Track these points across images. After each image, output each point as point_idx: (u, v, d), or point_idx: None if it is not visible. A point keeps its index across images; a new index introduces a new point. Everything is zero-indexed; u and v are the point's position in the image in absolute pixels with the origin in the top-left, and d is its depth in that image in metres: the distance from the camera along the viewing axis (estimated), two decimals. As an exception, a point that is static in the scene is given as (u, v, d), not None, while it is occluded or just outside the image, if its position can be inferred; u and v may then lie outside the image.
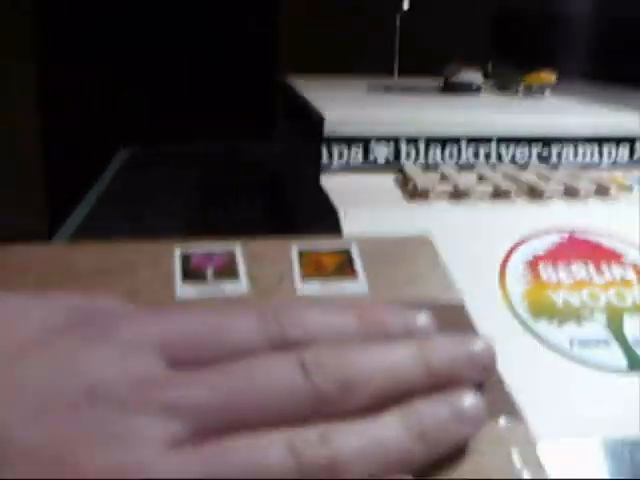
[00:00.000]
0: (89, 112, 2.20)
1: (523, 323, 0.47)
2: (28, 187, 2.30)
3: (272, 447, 0.25)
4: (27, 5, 2.09)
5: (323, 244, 0.41)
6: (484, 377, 0.32)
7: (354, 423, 0.27)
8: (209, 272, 0.38)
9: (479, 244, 0.52)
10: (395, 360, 0.29)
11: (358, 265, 0.39)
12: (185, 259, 0.39)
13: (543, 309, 0.48)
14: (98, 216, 0.84)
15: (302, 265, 0.39)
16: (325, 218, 0.57)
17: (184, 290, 0.37)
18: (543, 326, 0.47)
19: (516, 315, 0.47)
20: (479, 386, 0.31)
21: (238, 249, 0.40)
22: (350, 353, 0.28)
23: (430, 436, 0.27)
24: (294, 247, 0.40)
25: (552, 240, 0.53)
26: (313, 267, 0.39)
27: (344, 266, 0.39)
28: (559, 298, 0.48)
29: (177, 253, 0.40)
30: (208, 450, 0.25)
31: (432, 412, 0.28)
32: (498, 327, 0.46)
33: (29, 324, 0.27)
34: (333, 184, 0.60)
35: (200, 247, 0.40)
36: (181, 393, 0.25)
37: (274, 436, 0.25)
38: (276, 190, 1.02)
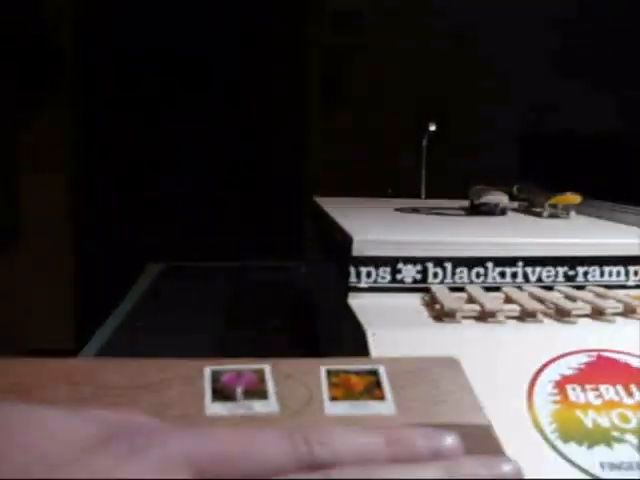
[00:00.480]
0: (122, 230, 2.24)
1: (552, 445, 0.46)
2: (59, 301, 2.32)
3: None
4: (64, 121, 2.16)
5: (351, 364, 0.41)
6: None
7: None
8: (238, 391, 0.38)
9: (506, 365, 0.52)
10: None
11: (386, 386, 0.40)
12: (215, 377, 0.40)
13: (572, 431, 0.47)
14: (126, 331, 0.85)
15: (330, 385, 0.39)
16: (353, 338, 0.57)
17: (214, 408, 0.37)
18: (573, 448, 0.46)
19: (545, 437, 0.47)
20: None
21: (267, 368, 0.40)
22: (378, 474, 0.29)
23: None
24: (323, 367, 0.41)
25: (580, 360, 0.53)
26: (341, 388, 0.39)
27: (372, 387, 0.39)
28: (588, 419, 0.48)
29: (207, 371, 0.40)
30: None
31: None
32: (527, 449, 0.46)
33: (61, 440, 0.27)
34: (361, 303, 0.60)
35: (230, 366, 0.41)
36: None
37: None
38: (305, 309, 1.03)
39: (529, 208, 0.93)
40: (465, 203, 0.93)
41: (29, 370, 0.39)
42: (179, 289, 1.15)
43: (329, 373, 0.40)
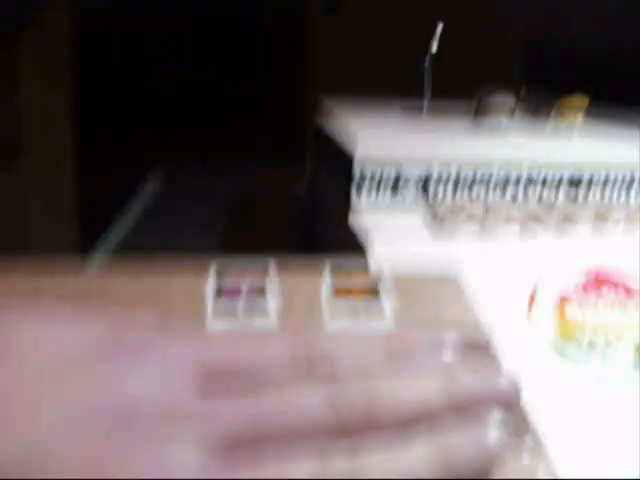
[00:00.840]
0: (126, 131, 2.23)
1: (551, 356, 0.47)
2: (62, 204, 2.32)
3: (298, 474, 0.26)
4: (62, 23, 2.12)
5: (352, 279, 0.42)
6: (508, 412, 0.32)
7: (381, 452, 0.28)
8: (240, 306, 0.39)
9: (505, 281, 0.52)
10: (421, 393, 0.29)
11: (386, 302, 0.40)
12: (217, 292, 0.40)
13: (570, 347, 0.48)
14: (135, 232, 0.85)
15: (331, 299, 0.40)
16: (354, 254, 0.58)
17: (215, 324, 0.38)
18: (570, 364, 0.47)
19: (544, 348, 0.47)
20: (503, 421, 0.32)
21: (269, 283, 0.41)
22: (377, 385, 0.29)
23: (455, 467, 0.28)
24: (324, 281, 0.41)
25: (578, 278, 0.53)
26: (342, 302, 0.40)
27: (372, 303, 0.40)
28: (587, 331, 0.49)
29: (210, 286, 0.40)
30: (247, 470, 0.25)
31: (456, 444, 0.28)
32: (526, 360, 0.47)
33: (69, 343, 0.28)
34: (362, 222, 0.60)
35: (231, 280, 0.41)
36: (212, 425, 0.26)
37: (300, 467, 0.26)
38: (306, 225, 1.03)
39: (536, 110, 0.91)
40: (473, 104, 0.92)
41: (34, 285, 0.40)
42: (181, 192, 1.15)
43: (330, 288, 0.41)
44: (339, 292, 0.41)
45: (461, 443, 0.29)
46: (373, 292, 0.41)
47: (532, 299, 0.52)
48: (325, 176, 0.83)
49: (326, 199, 0.80)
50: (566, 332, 0.50)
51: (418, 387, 0.30)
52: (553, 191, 0.64)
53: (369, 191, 0.61)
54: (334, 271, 0.42)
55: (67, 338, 0.29)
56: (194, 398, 0.27)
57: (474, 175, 0.63)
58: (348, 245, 0.62)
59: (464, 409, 0.30)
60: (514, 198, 0.64)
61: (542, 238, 0.58)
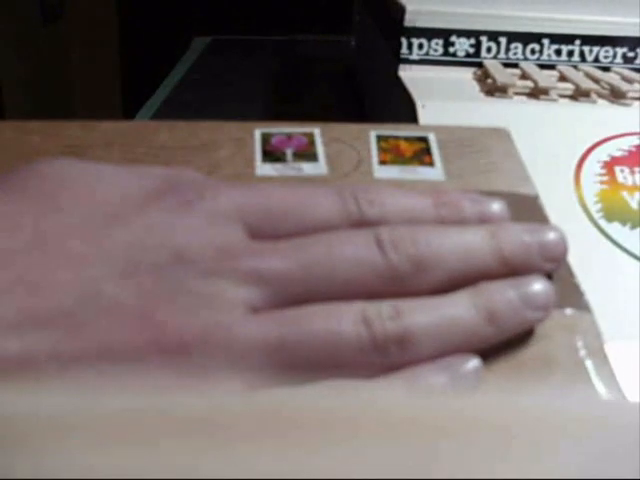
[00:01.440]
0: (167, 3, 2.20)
1: (596, 224, 0.46)
2: (106, 72, 2.32)
3: (346, 316, 0.26)
4: None
5: (401, 130, 0.40)
6: (554, 267, 0.32)
7: (426, 300, 0.27)
8: (288, 152, 0.38)
9: (556, 142, 0.51)
10: (469, 243, 0.29)
11: (435, 153, 0.39)
12: (265, 139, 0.39)
13: (617, 211, 0.47)
14: (175, 101, 0.85)
15: (380, 149, 0.39)
16: (402, 110, 0.57)
17: (264, 169, 0.38)
18: (616, 228, 0.46)
19: (589, 216, 0.47)
20: (549, 276, 0.32)
21: (317, 131, 0.40)
22: (425, 233, 0.29)
23: (499, 317, 0.28)
24: (373, 132, 0.40)
25: (631, 142, 0.52)
26: (391, 152, 0.38)
27: (421, 153, 0.39)
28: (634, 201, 0.48)
29: (257, 133, 0.40)
30: (285, 316, 0.26)
31: (502, 294, 0.28)
32: (570, 226, 0.46)
33: (119, 191, 0.28)
34: (411, 76, 0.59)
35: (280, 129, 0.40)
36: (262, 262, 0.26)
37: (349, 307, 0.26)
38: (352, 82, 1.02)
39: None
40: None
41: (82, 132, 0.39)
42: (226, 63, 1.13)
43: (379, 138, 0.39)
44: (388, 140, 0.40)
45: (507, 293, 0.29)
46: (423, 141, 0.40)
47: (582, 160, 0.51)
48: (372, 37, 0.81)
49: (375, 54, 0.79)
50: (614, 195, 0.49)
51: (467, 236, 0.30)
52: (610, 52, 0.62)
53: (420, 45, 0.60)
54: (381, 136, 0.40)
55: (119, 185, 0.29)
56: (244, 240, 0.28)
57: (528, 31, 0.61)
58: (397, 100, 0.61)
59: (511, 261, 0.30)
60: (570, 55, 0.62)
61: (597, 101, 0.57)
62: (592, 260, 0.45)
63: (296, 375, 0.24)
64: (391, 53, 0.64)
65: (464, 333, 0.27)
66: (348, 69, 1.07)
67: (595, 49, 0.62)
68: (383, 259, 0.27)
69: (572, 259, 0.44)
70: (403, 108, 0.56)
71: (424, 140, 0.40)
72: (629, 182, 0.49)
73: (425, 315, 0.27)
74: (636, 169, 0.50)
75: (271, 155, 0.38)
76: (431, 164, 0.38)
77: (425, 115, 0.51)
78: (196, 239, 0.26)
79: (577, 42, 0.62)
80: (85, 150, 0.38)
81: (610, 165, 0.50)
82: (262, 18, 1.89)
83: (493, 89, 0.56)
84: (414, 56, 0.60)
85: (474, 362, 0.27)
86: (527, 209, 0.37)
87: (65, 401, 0.14)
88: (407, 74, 0.60)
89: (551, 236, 0.32)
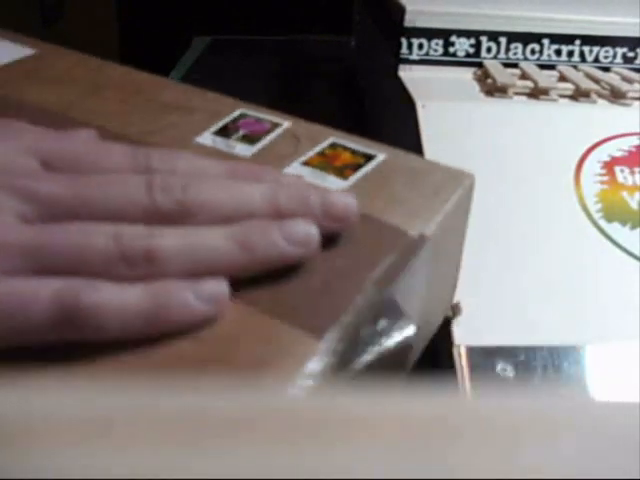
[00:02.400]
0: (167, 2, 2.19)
1: (595, 224, 0.46)
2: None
3: (100, 232, 0.28)
4: None
5: (359, 144, 0.38)
6: (338, 227, 0.31)
7: (183, 227, 0.29)
8: (240, 133, 0.38)
9: (556, 142, 0.51)
10: (245, 194, 0.30)
11: (363, 171, 0.36)
12: (237, 117, 0.40)
13: (617, 211, 0.47)
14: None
15: (320, 153, 0.37)
16: (402, 110, 0.57)
17: (204, 138, 0.38)
18: (616, 228, 0.46)
19: (589, 216, 0.47)
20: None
21: (285, 124, 0.40)
22: (201, 183, 0.30)
23: (253, 245, 0.28)
24: (332, 137, 0.38)
25: (630, 142, 0.52)
26: (326, 158, 0.37)
27: (350, 167, 0.36)
28: (634, 201, 0.48)
29: (237, 111, 0.41)
30: (48, 228, 0.28)
31: (261, 229, 0.29)
32: (570, 226, 0.46)
33: None
34: (411, 76, 0.59)
35: (261, 114, 0.40)
36: (38, 183, 0.29)
37: (105, 226, 0.28)
38: (352, 82, 1.02)
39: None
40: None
41: None
42: (226, 63, 1.13)
43: (332, 144, 0.38)
44: (337, 146, 0.39)
45: (266, 229, 0.29)
46: (366, 158, 0.38)
47: (582, 160, 0.51)
48: (374, 30, 0.81)
49: (375, 54, 0.79)
50: (614, 195, 0.49)
51: (244, 188, 0.31)
52: (610, 52, 0.62)
53: (419, 45, 0.60)
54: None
55: None
56: (32, 167, 0.31)
57: (528, 31, 0.61)
58: (397, 100, 0.61)
59: (285, 212, 0.31)
60: (569, 56, 0.62)
61: (597, 101, 0.57)
62: (592, 260, 0.45)
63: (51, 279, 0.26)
64: (391, 53, 0.64)
65: (215, 257, 0.28)
66: (348, 69, 1.07)
67: (595, 49, 0.62)
68: (149, 199, 0.29)
69: (572, 259, 0.45)
70: (403, 108, 0.56)
71: (368, 158, 0.37)
72: (629, 182, 0.49)
73: (176, 237, 0.28)
74: (636, 169, 0.50)
75: (225, 131, 0.39)
76: (345, 178, 0.36)
77: (425, 115, 0.51)
78: None
79: (577, 42, 0.62)
80: None
81: (610, 165, 0.50)
82: (262, 18, 1.89)
83: (493, 89, 0.56)
84: (414, 56, 0.60)
85: (222, 286, 0.27)
86: (385, 239, 0.32)
87: (65, 401, 0.14)
88: (407, 74, 0.60)
89: (337, 197, 0.31)
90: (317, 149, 0.38)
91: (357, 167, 0.36)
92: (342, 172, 0.36)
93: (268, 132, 0.39)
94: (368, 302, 0.29)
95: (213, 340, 0.27)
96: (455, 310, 0.41)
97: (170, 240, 0.28)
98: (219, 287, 0.28)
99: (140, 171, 0.31)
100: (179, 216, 0.29)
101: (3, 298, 0.25)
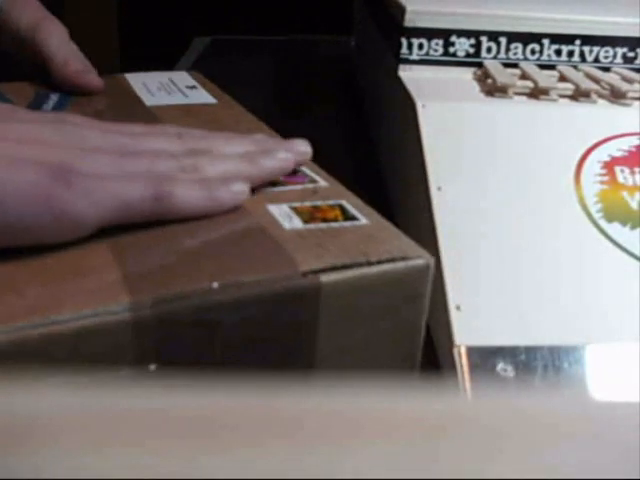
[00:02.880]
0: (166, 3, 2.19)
1: (596, 224, 0.46)
2: (106, 72, 2.31)
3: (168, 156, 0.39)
4: None
5: (358, 208, 0.39)
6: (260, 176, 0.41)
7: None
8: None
9: (556, 142, 0.51)
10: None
11: (326, 224, 0.38)
12: None
13: (617, 211, 0.47)
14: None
15: (317, 206, 0.40)
16: (402, 110, 0.57)
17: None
18: (616, 229, 0.46)
19: (589, 215, 0.47)
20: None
21: (320, 183, 0.43)
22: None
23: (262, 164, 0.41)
24: (344, 200, 0.40)
25: (631, 142, 0.52)
26: (319, 210, 0.39)
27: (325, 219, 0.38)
28: (634, 201, 0.48)
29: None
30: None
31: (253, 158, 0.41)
32: (570, 226, 0.46)
33: None
34: (411, 76, 0.59)
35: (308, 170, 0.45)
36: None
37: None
38: (352, 82, 1.02)
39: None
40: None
41: None
42: (226, 63, 1.13)
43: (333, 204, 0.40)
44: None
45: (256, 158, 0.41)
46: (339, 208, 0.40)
47: (582, 160, 0.51)
48: (374, 30, 0.81)
49: (375, 54, 0.79)
50: (614, 195, 0.49)
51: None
52: (610, 52, 0.62)
53: (420, 45, 0.60)
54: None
55: None
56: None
57: (528, 31, 0.61)
58: (397, 100, 0.61)
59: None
60: (570, 56, 0.62)
61: (597, 101, 0.57)
62: (592, 260, 0.45)
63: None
64: (391, 53, 0.64)
65: (232, 169, 0.40)
66: (348, 69, 1.07)
67: (595, 49, 0.62)
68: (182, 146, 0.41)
69: (572, 259, 0.45)
70: (403, 108, 0.56)
71: (351, 219, 0.38)
72: (629, 182, 0.49)
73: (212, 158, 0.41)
74: (636, 169, 0.50)
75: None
76: (307, 223, 0.38)
77: (425, 115, 0.51)
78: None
79: (577, 42, 0.62)
80: None
81: (610, 165, 0.50)
82: (262, 18, 1.89)
83: (493, 89, 0.56)
84: (414, 56, 0.60)
85: (246, 186, 0.39)
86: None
87: (65, 401, 0.14)
88: (407, 74, 0.60)
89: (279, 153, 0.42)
90: (318, 202, 0.40)
91: (331, 220, 0.38)
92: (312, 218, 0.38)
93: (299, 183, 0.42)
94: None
95: None
96: None
97: (206, 159, 0.40)
98: (245, 186, 0.38)
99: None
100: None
101: (108, 186, 0.34)
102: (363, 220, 0.38)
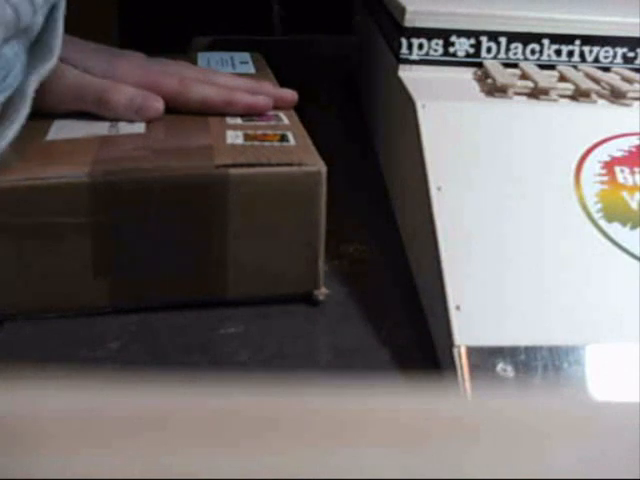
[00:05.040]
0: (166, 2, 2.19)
1: (596, 224, 0.46)
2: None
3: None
4: None
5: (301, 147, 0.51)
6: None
7: None
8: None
9: (556, 142, 0.51)
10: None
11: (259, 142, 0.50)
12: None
13: (617, 212, 0.47)
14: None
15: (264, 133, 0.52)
16: (402, 110, 0.57)
17: None
18: (616, 229, 0.46)
19: (589, 216, 0.47)
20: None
21: (285, 121, 0.56)
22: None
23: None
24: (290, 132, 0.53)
25: (631, 142, 0.52)
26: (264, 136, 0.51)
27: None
28: (634, 201, 0.48)
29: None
30: None
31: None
32: (570, 226, 0.46)
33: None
34: (411, 76, 0.59)
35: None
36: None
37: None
38: (352, 82, 1.02)
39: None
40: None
41: None
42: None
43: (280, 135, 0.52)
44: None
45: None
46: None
47: (582, 160, 0.51)
48: (374, 30, 0.81)
49: (375, 54, 0.79)
50: (614, 196, 0.49)
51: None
52: (610, 52, 0.62)
53: (420, 45, 0.60)
54: None
55: None
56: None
57: (528, 31, 0.61)
58: (397, 100, 0.61)
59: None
60: (570, 56, 0.62)
61: (597, 101, 0.56)
62: (592, 260, 0.45)
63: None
64: (391, 53, 0.64)
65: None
66: (348, 69, 1.07)
67: (595, 49, 0.62)
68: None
69: (572, 259, 0.45)
70: (403, 108, 0.56)
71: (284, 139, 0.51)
72: (629, 182, 0.49)
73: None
74: (636, 169, 0.50)
75: None
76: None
77: (425, 115, 0.51)
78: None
79: (577, 42, 0.62)
80: None
81: (610, 165, 0.50)
82: (262, 18, 1.89)
83: (493, 89, 0.56)
84: (414, 56, 0.60)
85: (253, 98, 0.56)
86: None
87: (65, 401, 0.14)
88: (407, 74, 0.60)
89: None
90: (268, 131, 0.52)
91: (266, 141, 0.50)
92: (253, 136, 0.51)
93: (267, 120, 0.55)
94: None
95: None
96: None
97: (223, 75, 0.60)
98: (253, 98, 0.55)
99: None
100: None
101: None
102: (292, 142, 0.50)
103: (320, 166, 0.47)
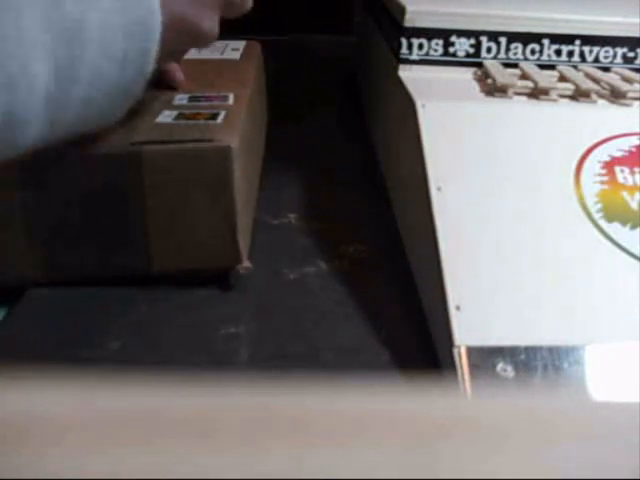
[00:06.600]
0: None
1: (596, 224, 0.46)
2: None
3: None
4: None
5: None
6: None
7: None
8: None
9: (556, 142, 0.51)
10: None
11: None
12: None
13: (617, 211, 0.47)
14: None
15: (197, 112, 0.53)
16: (402, 110, 0.57)
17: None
18: (616, 228, 0.46)
19: (589, 216, 0.47)
20: None
21: (230, 100, 0.58)
22: None
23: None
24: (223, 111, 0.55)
25: (631, 142, 0.52)
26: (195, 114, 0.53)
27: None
28: (634, 201, 0.48)
29: None
30: None
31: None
32: (570, 226, 0.46)
33: None
34: (411, 76, 0.59)
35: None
36: None
37: None
38: (352, 82, 1.02)
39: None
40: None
41: None
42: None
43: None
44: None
45: None
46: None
47: (582, 160, 0.51)
48: (374, 30, 0.81)
49: (375, 54, 0.79)
50: (614, 195, 0.49)
51: None
52: (610, 52, 0.62)
53: (420, 45, 0.60)
54: None
55: None
56: None
57: (528, 31, 0.61)
58: (397, 100, 0.61)
59: None
60: (570, 56, 0.62)
61: (597, 101, 0.56)
62: (592, 260, 0.45)
63: None
64: (391, 53, 0.64)
65: None
66: (348, 69, 1.07)
67: (595, 49, 0.62)
68: None
69: (572, 259, 0.45)
70: (403, 108, 0.56)
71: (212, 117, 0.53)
72: (629, 182, 0.49)
73: None
74: (636, 169, 0.50)
75: None
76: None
77: (425, 115, 0.51)
78: None
79: (577, 42, 0.62)
80: None
81: (610, 165, 0.50)
82: (262, 18, 1.89)
83: (493, 89, 0.56)
84: (414, 56, 0.60)
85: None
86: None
87: (65, 401, 0.14)
88: (407, 74, 0.60)
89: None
90: (202, 111, 0.53)
91: (195, 119, 0.52)
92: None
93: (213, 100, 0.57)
94: None
95: None
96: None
97: None
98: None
99: None
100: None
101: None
102: (219, 121, 0.51)
103: (231, 142, 0.48)
